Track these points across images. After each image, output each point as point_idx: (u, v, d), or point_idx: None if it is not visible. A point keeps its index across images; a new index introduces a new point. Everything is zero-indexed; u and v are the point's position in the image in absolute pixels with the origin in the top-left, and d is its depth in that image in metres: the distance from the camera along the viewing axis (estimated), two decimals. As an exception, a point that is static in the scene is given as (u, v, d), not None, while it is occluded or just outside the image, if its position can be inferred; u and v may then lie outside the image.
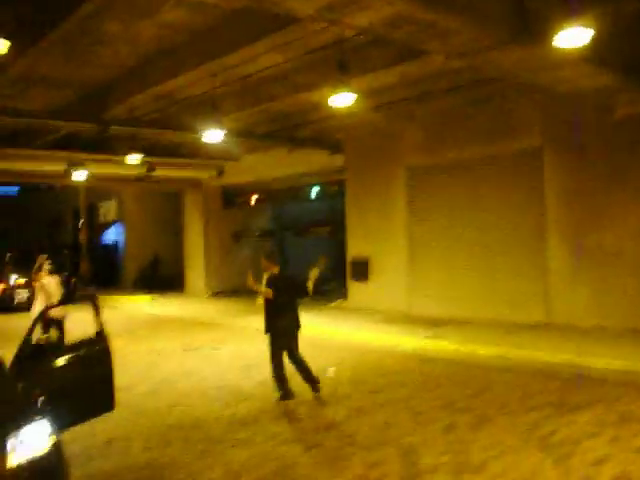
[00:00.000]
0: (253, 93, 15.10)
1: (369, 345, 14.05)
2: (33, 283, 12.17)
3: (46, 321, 11.11)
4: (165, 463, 7.02)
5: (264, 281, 9.74)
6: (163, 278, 29.07)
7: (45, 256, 13.01)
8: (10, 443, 4.69)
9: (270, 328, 9.53)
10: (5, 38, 8.77)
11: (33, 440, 4.83)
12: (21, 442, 4.75)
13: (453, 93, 15.20)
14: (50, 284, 12.53)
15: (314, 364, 11.96)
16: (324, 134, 20.13)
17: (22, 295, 23.51)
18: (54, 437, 4.98)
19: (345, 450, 7.19)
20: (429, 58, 11.70)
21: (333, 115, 16.06)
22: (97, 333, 6.90)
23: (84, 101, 15.68)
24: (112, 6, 10.25)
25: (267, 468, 6.72)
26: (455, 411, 8.67)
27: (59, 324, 11.89)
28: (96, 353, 6.71)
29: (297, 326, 9.74)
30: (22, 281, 24.11)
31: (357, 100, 11.57)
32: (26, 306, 22.88)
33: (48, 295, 12.16)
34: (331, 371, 11.26)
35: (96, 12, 10.06)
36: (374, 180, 19.54)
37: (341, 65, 10.79)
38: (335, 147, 20.53)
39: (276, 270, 9.70)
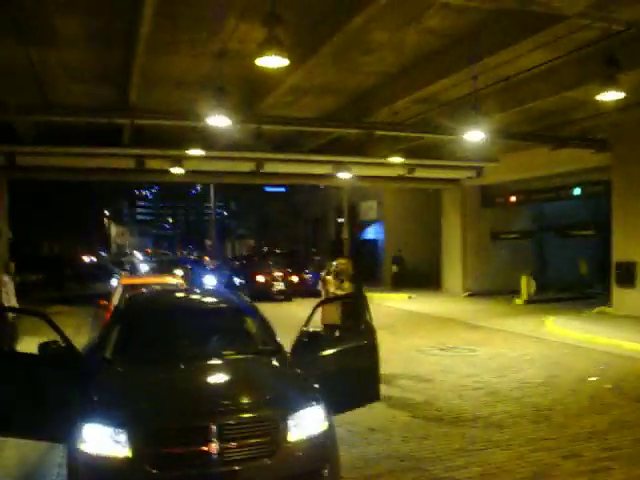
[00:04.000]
0: (515, 93, 14.91)
1: (633, 355, 13.22)
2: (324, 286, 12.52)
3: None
4: (423, 456, 7.31)
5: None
6: (419, 276, 29.52)
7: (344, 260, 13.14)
8: (291, 421, 5.35)
9: None
10: (283, 55, 9.57)
11: (310, 421, 5.49)
12: (300, 422, 5.39)
13: None
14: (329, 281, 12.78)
15: (574, 370, 11.69)
16: (588, 132, 19.23)
17: (279, 286, 26.68)
18: (328, 421, 5.55)
19: (605, 463, 6.96)
20: None
21: (599, 112, 15.36)
22: (365, 327, 7.39)
23: (349, 107, 16.55)
24: (379, 17, 10.75)
25: (523, 473, 6.73)
26: None
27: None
28: (364, 346, 7.18)
29: None
30: (280, 274, 27.41)
31: (627, 96, 11.02)
32: (282, 296, 25.73)
33: (326, 291, 12.50)
34: (592, 380, 10.85)
35: (365, 24, 10.63)
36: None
37: (610, 60, 10.35)
38: (600, 145, 19.50)
39: None
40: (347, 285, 11.83)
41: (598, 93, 11.01)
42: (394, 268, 30.36)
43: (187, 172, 22.14)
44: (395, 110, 16.06)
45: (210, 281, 30.69)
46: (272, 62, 9.70)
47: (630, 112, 15.64)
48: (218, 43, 11.73)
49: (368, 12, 9.78)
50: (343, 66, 13.55)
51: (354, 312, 10.45)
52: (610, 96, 10.96)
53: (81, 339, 12.98)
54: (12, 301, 12.91)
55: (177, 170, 21.23)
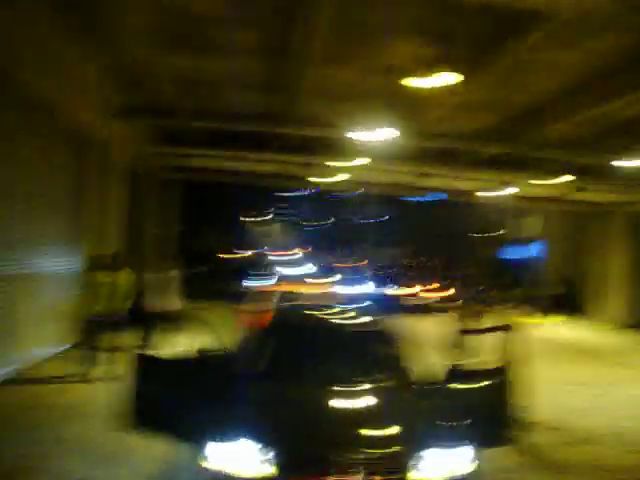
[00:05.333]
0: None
1: None
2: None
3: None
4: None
5: None
6: (574, 300, 28.19)
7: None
8: (417, 461, 5.23)
9: None
10: (450, 73, 9.48)
11: (451, 460, 5.35)
12: (436, 460, 5.26)
13: None
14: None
15: None
16: None
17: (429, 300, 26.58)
18: (475, 462, 5.39)
19: None
20: None
21: None
22: (502, 364, 7.09)
23: (513, 123, 16.07)
24: (553, 35, 10.36)
25: None
26: None
27: None
28: (498, 384, 6.82)
29: None
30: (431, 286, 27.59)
31: None
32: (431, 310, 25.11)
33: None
34: None
35: (538, 42, 10.28)
36: None
37: None
38: None
39: None
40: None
41: None
42: (554, 289, 29.12)
43: (346, 180, 22.45)
44: (558, 130, 15.45)
45: (365, 289, 29.36)
46: (439, 81, 9.68)
47: None
48: (385, 58, 11.79)
49: (544, 29, 9.47)
50: (509, 84, 13.19)
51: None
52: None
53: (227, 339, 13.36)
54: (171, 298, 13.56)
55: (337, 178, 21.59)
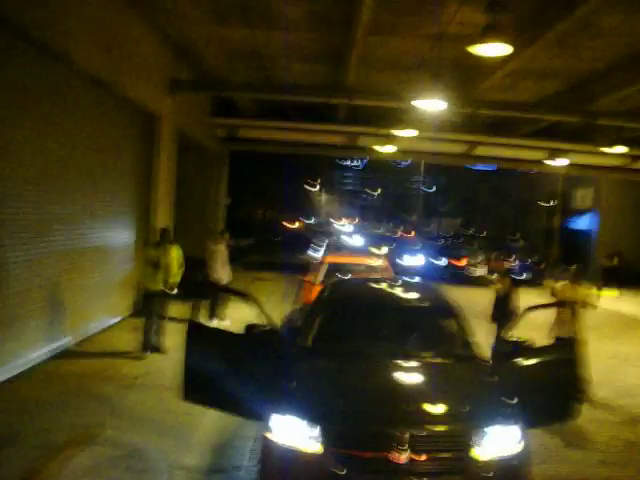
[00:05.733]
0: None
1: None
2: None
3: None
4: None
5: None
6: (632, 273, 27.46)
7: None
8: (485, 439, 5.15)
9: None
10: (505, 42, 9.19)
11: (505, 440, 5.24)
12: (494, 440, 5.18)
13: None
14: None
15: None
16: None
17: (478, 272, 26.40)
18: (524, 441, 5.30)
19: None
20: None
21: None
22: (568, 338, 6.94)
23: (570, 92, 15.67)
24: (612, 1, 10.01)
25: None
26: None
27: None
28: (566, 360, 6.73)
29: None
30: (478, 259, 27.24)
31: None
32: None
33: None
34: None
35: (597, 7, 9.94)
36: None
37: None
38: None
39: None
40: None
41: None
42: (607, 262, 28.41)
43: (397, 151, 22.17)
44: (621, 98, 14.94)
45: (417, 262, 29.17)
46: (492, 49, 9.41)
47: None
48: (437, 26, 11.53)
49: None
50: (567, 51, 12.84)
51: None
52: None
53: (281, 310, 13.43)
54: (222, 271, 13.58)
55: (387, 148, 21.33)
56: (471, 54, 9.83)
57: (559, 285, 10.46)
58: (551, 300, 10.12)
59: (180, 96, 15.11)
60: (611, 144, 18.21)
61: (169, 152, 15.19)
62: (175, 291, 11.07)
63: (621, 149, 18.31)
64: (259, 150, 27.54)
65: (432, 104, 12.54)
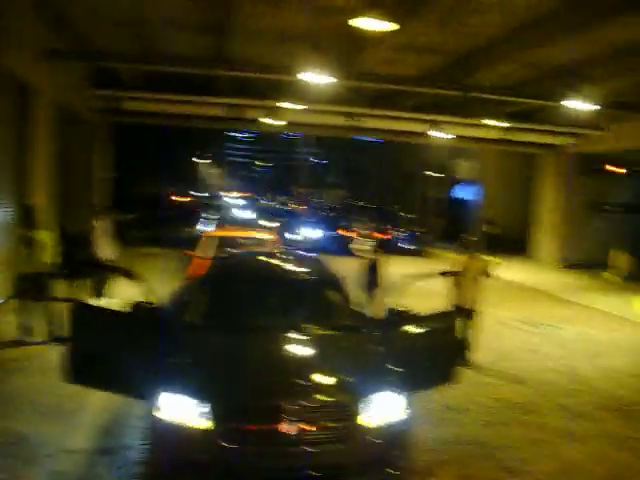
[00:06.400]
0: (625, 61, 14.06)
1: None
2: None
3: None
4: (498, 444, 7.15)
5: None
6: (509, 241, 28.73)
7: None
8: (368, 407, 5.31)
9: None
10: (385, 17, 9.29)
11: (388, 408, 5.42)
12: (378, 408, 5.35)
13: None
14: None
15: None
16: None
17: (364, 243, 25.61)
18: (406, 408, 5.49)
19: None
20: None
21: None
22: (451, 308, 7.22)
23: (452, 67, 16.03)
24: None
25: (600, 474, 6.52)
26: None
27: None
28: (447, 326, 7.05)
29: None
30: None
31: None
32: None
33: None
34: None
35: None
36: None
37: None
38: None
39: None
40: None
41: None
42: (486, 230, 29.54)
43: (281, 123, 22.14)
44: (497, 73, 15.51)
45: (311, 235, 29.36)
46: (376, 23, 9.50)
47: None
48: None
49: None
50: (448, 26, 13.06)
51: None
52: None
53: (166, 286, 13.19)
54: (107, 248, 13.22)
55: (271, 120, 21.26)
56: (354, 27, 9.89)
57: (459, 256, 10.76)
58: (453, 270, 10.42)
59: (58, 66, 14.44)
60: (492, 117, 18.89)
61: (46, 125, 14.47)
62: (55, 271, 10.61)
63: (496, 122, 19.03)
64: (144, 123, 26.80)
65: (317, 77, 12.58)
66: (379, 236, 26.99)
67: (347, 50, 14.58)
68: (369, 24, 9.47)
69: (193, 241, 15.41)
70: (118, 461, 6.21)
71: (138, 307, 6.43)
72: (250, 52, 15.30)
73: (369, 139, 47.45)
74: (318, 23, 12.08)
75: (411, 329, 6.75)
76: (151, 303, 6.41)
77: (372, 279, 11.77)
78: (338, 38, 13.53)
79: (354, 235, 26.99)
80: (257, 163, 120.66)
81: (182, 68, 16.03)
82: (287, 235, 26.22)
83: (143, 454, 5.78)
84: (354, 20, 9.53)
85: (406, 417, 5.51)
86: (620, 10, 10.52)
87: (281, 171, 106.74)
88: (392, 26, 9.47)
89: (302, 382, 5.47)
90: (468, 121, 21.31)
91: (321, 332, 6.52)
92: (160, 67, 16.12)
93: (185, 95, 19.68)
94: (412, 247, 28.20)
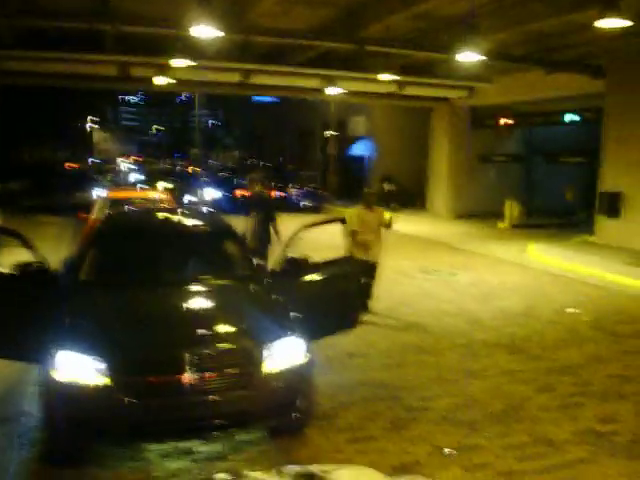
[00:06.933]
0: (513, 13, 14.41)
1: (613, 287, 13.29)
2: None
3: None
4: (398, 384, 7.34)
5: None
6: (406, 195, 29.32)
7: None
8: (267, 352, 5.30)
9: None
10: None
11: (288, 352, 5.44)
12: (277, 353, 5.35)
13: None
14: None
15: (553, 301, 11.74)
16: (585, 58, 18.80)
17: None
18: (306, 352, 5.51)
19: (577, 398, 7.03)
20: None
21: (597, 38, 14.93)
22: (347, 253, 7.29)
23: (342, 20, 15.95)
24: None
25: (496, 405, 6.78)
26: None
27: None
28: (345, 272, 7.11)
29: None
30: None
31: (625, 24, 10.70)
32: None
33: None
34: (570, 311, 10.94)
35: None
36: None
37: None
38: (595, 71, 19.08)
39: None
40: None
41: (598, 18, 10.65)
42: (383, 186, 30.01)
43: (173, 81, 21.54)
44: (389, 25, 15.53)
45: (209, 194, 29.65)
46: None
47: (627, 40, 15.25)
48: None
49: None
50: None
51: None
52: (609, 23, 10.63)
53: (61, 252, 12.78)
54: None
55: (162, 79, 20.67)
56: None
57: (355, 210, 10.62)
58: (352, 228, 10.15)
59: None
60: (385, 71, 19.02)
61: None
62: None
63: (389, 76, 19.19)
64: (28, 84, 25.46)
65: (204, 31, 12.23)
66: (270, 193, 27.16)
67: (233, 2, 14.28)
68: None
69: (89, 206, 14.99)
70: (18, 429, 5.99)
71: (23, 268, 6.13)
72: (134, 5, 14.68)
73: (266, 99, 47.13)
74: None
75: (310, 276, 6.78)
76: (41, 263, 6.12)
77: (263, 234, 11.74)
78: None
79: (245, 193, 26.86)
80: (154, 127, 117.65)
81: (59, 22, 15.19)
82: (183, 196, 26.05)
83: (42, 420, 5.58)
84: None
85: (307, 361, 5.54)
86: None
87: (178, 134, 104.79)
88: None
89: (199, 331, 5.40)
90: (361, 75, 21.37)
91: (217, 282, 6.46)
92: (42, 22, 15.24)
93: (70, 53, 18.72)
94: (310, 204, 28.31)
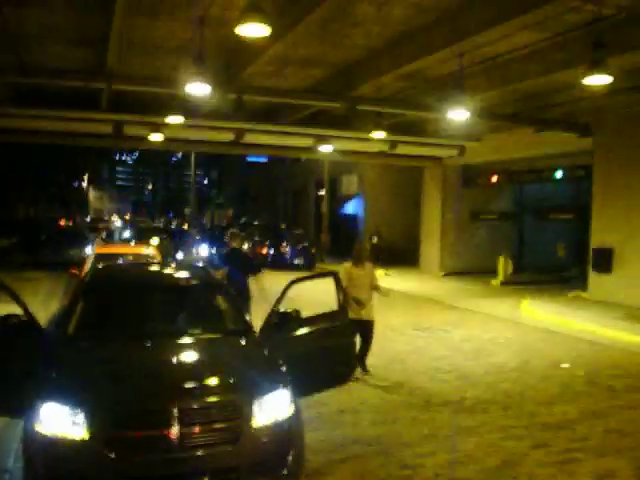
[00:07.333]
0: (501, 73, 14.70)
1: (607, 342, 13.22)
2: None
3: None
4: (392, 441, 7.20)
5: None
6: (397, 253, 29.37)
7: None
8: (256, 406, 5.19)
9: None
10: (266, 23, 9.28)
11: (276, 406, 5.33)
12: (266, 407, 5.24)
13: None
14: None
15: (547, 356, 11.66)
16: (573, 116, 19.13)
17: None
18: (294, 406, 5.41)
19: (574, 454, 6.90)
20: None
21: (584, 96, 15.21)
22: (339, 308, 7.23)
23: (334, 80, 16.22)
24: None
25: (491, 462, 6.64)
26: None
27: None
28: (337, 327, 7.03)
29: None
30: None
31: (613, 81, 10.88)
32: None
33: None
34: (565, 366, 10.86)
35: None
36: (627, 166, 18.20)
37: (598, 44, 10.21)
38: (584, 129, 19.40)
39: None
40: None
41: (585, 76, 10.84)
42: (372, 241, 29.97)
43: (166, 139, 21.69)
44: (379, 85, 15.81)
45: (205, 251, 31.72)
46: (253, 31, 9.47)
47: (614, 97, 15.54)
48: (199, 9, 11.35)
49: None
50: (327, 38, 13.23)
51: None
52: (596, 80, 10.81)
53: (52, 308, 12.73)
54: None
55: (156, 137, 20.82)
56: (235, 38, 9.83)
57: (344, 267, 10.40)
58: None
59: None
60: (371, 130, 19.25)
61: None
62: None
63: (380, 134, 19.42)
64: (21, 142, 25.62)
65: (198, 89, 12.39)
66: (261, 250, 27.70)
67: (227, 62, 14.54)
68: (247, 31, 9.42)
69: (78, 262, 15.00)
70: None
71: (6, 320, 6.03)
72: (130, 65, 14.90)
73: (260, 158, 47.62)
74: (196, 34, 11.90)
75: (301, 330, 6.71)
76: (22, 316, 6.01)
77: (243, 289, 11.50)
78: (218, 49, 13.45)
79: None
80: (147, 187, 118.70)
81: (55, 80, 15.35)
82: (176, 252, 26.66)
83: (24, 476, 5.42)
84: (234, 28, 9.47)
85: (293, 414, 5.43)
86: (488, 24, 10.97)
87: (172, 193, 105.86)
88: (269, 31, 9.39)
89: (183, 385, 5.30)
90: (353, 134, 21.64)
91: (203, 336, 6.40)
92: (37, 80, 15.42)
93: (65, 111, 18.88)
94: (302, 262, 28.35)
